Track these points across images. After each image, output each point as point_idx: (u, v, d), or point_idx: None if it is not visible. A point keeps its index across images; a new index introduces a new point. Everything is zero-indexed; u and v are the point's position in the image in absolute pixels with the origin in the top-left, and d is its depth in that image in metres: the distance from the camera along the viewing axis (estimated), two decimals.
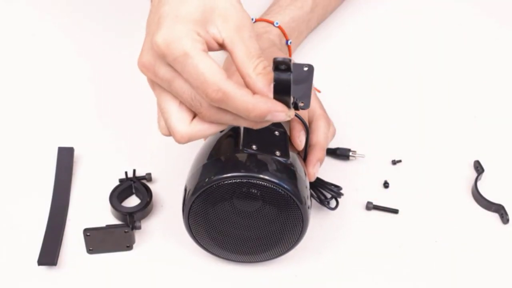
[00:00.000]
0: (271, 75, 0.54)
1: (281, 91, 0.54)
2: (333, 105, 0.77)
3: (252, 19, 0.85)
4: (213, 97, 0.53)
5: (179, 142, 0.57)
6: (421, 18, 0.99)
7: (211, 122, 0.56)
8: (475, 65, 0.92)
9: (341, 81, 0.89)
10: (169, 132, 0.58)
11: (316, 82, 0.79)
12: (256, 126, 0.57)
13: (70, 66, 0.88)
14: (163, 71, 0.55)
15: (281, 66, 0.52)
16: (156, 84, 0.57)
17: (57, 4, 0.97)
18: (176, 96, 0.56)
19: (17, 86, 0.86)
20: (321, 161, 0.68)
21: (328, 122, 0.72)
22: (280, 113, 0.54)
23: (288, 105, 0.55)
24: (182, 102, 0.56)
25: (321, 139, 0.69)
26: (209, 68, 0.53)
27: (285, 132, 0.66)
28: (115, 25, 0.94)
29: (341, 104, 0.84)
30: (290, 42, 0.84)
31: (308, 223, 0.63)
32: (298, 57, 0.88)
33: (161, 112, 0.57)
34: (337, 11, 0.98)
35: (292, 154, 0.64)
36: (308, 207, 0.63)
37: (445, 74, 0.91)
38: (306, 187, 0.64)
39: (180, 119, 0.56)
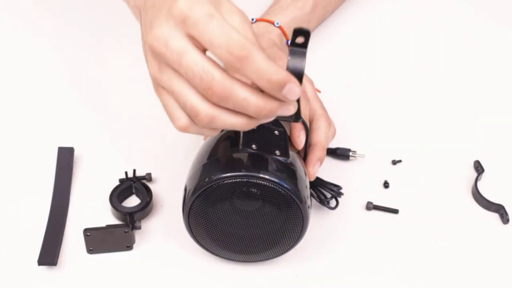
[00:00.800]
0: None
1: (296, 68, 0.55)
2: (333, 105, 0.77)
3: (253, 19, 0.85)
4: (238, 54, 0.50)
5: (202, 122, 0.54)
6: (421, 18, 0.99)
7: (210, 120, 0.54)
8: (475, 65, 0.92)
9: (341, 81, 0.89)
10: (187, 123, 0.55)
11: (317, 82, 0.79)
12: (255, 123, 0.55)
13: (70, 66, 0.88)
14: (177, 42, 0.52)
15: (298, 40, 0.55)
16: (165, 66, 0.54)
17: (57, 4, 0.97)
18: (185, 76, 0.53)
19: (17, 86, 0.86)
20: (321, 161, 0.68)
21: (329, 122, 0.72)
22: (297, 87, 0.53)
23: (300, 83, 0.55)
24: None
25: (322, 139, 0.69)
26: (234, 28, 0.52)
27: (284, 132, 0.66)
28: (116, 25, 0.94)
29: (341, 104, 0.84)
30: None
31: (309, 222, 0.63)
32: None
33: (177, 97, 0.54)
34: (337, 11, 0.98)
35: (292, 154, 0.64)
36: (308, 207, 0.63)
37: (445, 74, 0.91)
38: (306, 186, 0.64)
39: (203, 98, 0.54)
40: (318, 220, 0.72)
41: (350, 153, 0.78)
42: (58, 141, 0.78)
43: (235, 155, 0.62)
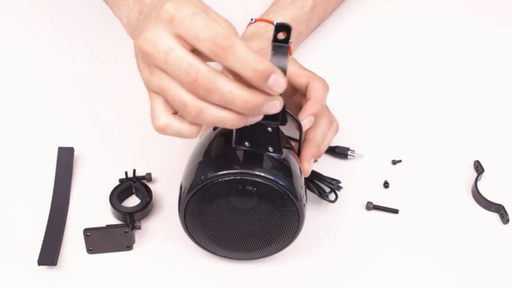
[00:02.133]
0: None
1: (278, 64, 0.56)
2: (333, 105, 0.77)
3: (252, 19, 0.85)
4: (222, 44, 0.53)
5: (190, 114, 0.56)
6: (421, 18, 0.99)
7: (195, 116, 0.55)
8: (475, 65, 0.92)
9: (341, 81, 0.89)
10: (165, 123, 0.57)
11: None
12: (243, 120, 0.56)
13: (70, 66, 0.88)
14: (164, 41, 0.55)
15: (280, 35, 0.56)
16: (154, 68, 0.57)
17: (57, 4, 0.96)
18: (172, 74, 0.55)
19: (17, 86, 0.86)
20: (315, 157, 0.68)
21: (330, 120, 0.72)
22: (282, 79, 0.54)
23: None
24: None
25: (317, 136, 0.70)
26: (220, 19, 0.55)
27: (277, 128, 0.66)
28: (117, 25, 0.94)
29: (341, 104, 0.84)
30: (290, 42, 0.84)
31: (304, 219, 0.64)
32: (299, 57, 0.88)
33: (166, 94, 0.56)
34: (337, 11, 0.98)
35: (286, 151, 0.65)
36: (304, 205, 0.63)
37: (445, 74, 0.91)
38: (301, 183, 0.64)
39: (168, 109, 0.57)
40: (318, 220, 0.72)
41: (349, 152, 0.78)
42: (58, 141, 0.78)
43: (229, 153, 0.62)
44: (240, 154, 0.62)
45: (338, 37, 0.95)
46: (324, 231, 0.72)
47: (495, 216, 0.74)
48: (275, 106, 0.55)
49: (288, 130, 0.75)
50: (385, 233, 0.72)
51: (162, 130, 0.57)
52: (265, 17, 0.86)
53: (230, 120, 0.55)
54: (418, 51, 0.94)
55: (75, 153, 0.77)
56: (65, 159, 0.76)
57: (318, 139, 0.70)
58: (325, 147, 0.72)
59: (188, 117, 0.56)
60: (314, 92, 0.70)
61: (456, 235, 0.72)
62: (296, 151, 0.68)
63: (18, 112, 0.82)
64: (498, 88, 0.89)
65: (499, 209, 0.74)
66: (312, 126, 0.70)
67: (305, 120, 0.68)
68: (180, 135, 0.57)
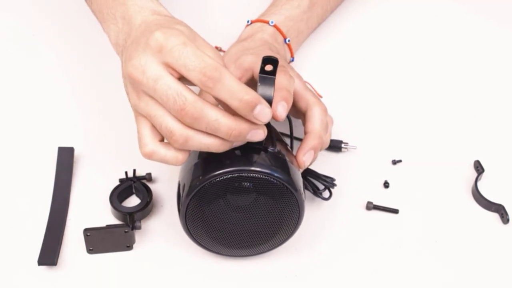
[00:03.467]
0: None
1: (264, 94, 0.59)
2: (333, 105, 0.77)
3: (248, 21, 0.85)
4: (211, 75, 0.55)
5: (177, 142, 0.58)
6: (422, 17, 0.99)
7: (183, 141, 0.58)
8: (475, 65, 0.92)
9: (342, 81, 0.89)
10: (152, 150, 0.59)
11: (317, 82, 0.79)
12: (228, 145, 0.59)
13: (70, 66, 0.88)
14: (153, 69, 0.57)
15: (267, 67, 0.59)
16: (142, 94, 0.58)
17: (57, 4, 0.96)
18: (160, 101, 0.57)
19: (17, 86, 0.86)
20: (315, 150, 0.68)
21: (324, 108, 0.70)
22: (267, 109, 0.57)
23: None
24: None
25: (316, 127, 0.69)
26: (207, 47, 0.58)
27: (269, 123, 0.66)
28: None
29: (342, 104, 0.84)
30: (289, 40, 0.84)
31: (304, 209, 0.64)
32: (299, 57, 0.88)
33: (154, 120, 0.58)
34: (337, 11, 0.98)
35: (279, 145, 0.65)
36: (302, 194, 0.63)
37: (445, 74, 0.91)
38: (298, 174, 0.64)
39: (177, 120, 0.58)
40: (318, 220, 0.72)
41: (342, 145, 0.78)
42: (58, 141, 0.78)
43: (223, 152, 0.62)
44: (234, 151, 0.62)
45: (338, 37, 0.95)
46: (324, 231, 0.72)
47: (495, 216, 0.74)
48: (258, 134, 0.58)
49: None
50: (385, 233, 0.72)
51: (149, 156, 0.60)
52: (261, 18, 0.85)
53: (215, 146, 0.58)
54: (418, 51, 0.94)
55: (75, 153, 0.77)
56: (65, 159, 0.76)
57: (317, 130, 0.68)
58: (328, 139, 0.71)
59: (175, 144, 0.58)
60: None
61: (456, 235, 0.72)
62: (289, 146, 0.68)
63: (18, 112, 0.82)
64: (498, 88, 0.89)
65: (499, 209, 0.74)
66: (308, 119, 0.69)
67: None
68: (166, 162, 0.60)
